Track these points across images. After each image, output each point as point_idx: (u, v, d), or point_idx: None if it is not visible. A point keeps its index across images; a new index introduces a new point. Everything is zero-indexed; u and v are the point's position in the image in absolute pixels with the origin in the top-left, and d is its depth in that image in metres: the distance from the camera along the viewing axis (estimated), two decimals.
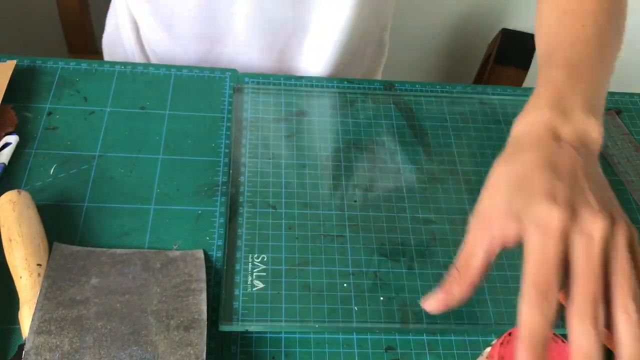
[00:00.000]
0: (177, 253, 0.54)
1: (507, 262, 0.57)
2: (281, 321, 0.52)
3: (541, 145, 0.43)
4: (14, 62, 0.65)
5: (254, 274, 0.54)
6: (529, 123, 0.45)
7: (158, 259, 0.53)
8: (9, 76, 0.63)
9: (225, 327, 0.51)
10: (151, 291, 0.50)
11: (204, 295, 0.51)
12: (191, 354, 0.47)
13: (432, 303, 0.43)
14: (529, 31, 1.51)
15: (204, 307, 0.50)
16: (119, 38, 0.86)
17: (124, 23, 0.83)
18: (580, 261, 0.38)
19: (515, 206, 0.40)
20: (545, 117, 0.44)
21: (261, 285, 0.54)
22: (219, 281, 0.53)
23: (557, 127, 0.44)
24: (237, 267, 0.54)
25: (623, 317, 0.37)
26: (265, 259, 0.55)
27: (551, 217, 0.39)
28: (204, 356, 0.47)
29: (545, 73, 0.48)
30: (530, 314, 0.37)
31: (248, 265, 0.55)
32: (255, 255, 0.55)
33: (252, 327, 0.51)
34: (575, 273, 0.38)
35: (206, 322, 0.49)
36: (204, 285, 0.52)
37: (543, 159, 0.42)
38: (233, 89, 0.67)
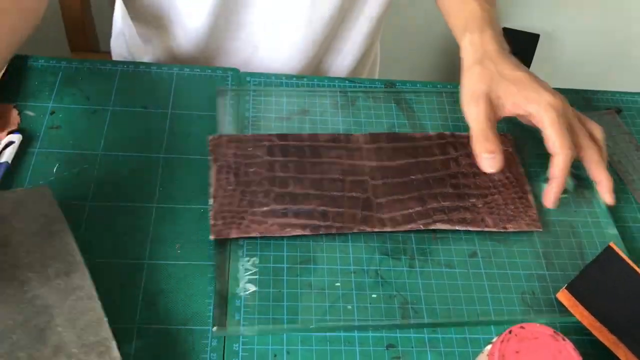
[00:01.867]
0: (22, 192, 0.52)
1: (507, 260, 0.57)
2: (282, 318, 0.52)
3: (505, 56, 0.64)
4: None
5: (255, 271, 0.55)
6: (482, 44, 0.65)
7: (3, 204, 0.50)
8: None
9: (226, 328, 0.51)
10: (13, 242, 0.48)
11: (69, 235, 0.49)
12: (82, 297, 0.46)
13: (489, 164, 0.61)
14: (529, 30, 1.51)
15: (75, 247, 0.48)
16: (124, 42, 0.87)
17: (127, 27, 0.84)
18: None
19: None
20: (495, 42, 0.65)
21: (256, 289, 0.54)
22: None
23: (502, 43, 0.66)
24: (240, 264, 0.55)
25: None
26: (266, 257, 0.56)
27: (557, 101, 0.60)
28: (95, 294, 0.46)
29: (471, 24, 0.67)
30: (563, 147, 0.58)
31: (250, 263, 0.55)
32: (257, 253, 0.56)
33: (255, 327, 0.51)
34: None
35: (83, 261, 0.48)
36: (65, 224, 0.49)
37: (515, 65, 0.63)
38: (234, 88, 0.68)
